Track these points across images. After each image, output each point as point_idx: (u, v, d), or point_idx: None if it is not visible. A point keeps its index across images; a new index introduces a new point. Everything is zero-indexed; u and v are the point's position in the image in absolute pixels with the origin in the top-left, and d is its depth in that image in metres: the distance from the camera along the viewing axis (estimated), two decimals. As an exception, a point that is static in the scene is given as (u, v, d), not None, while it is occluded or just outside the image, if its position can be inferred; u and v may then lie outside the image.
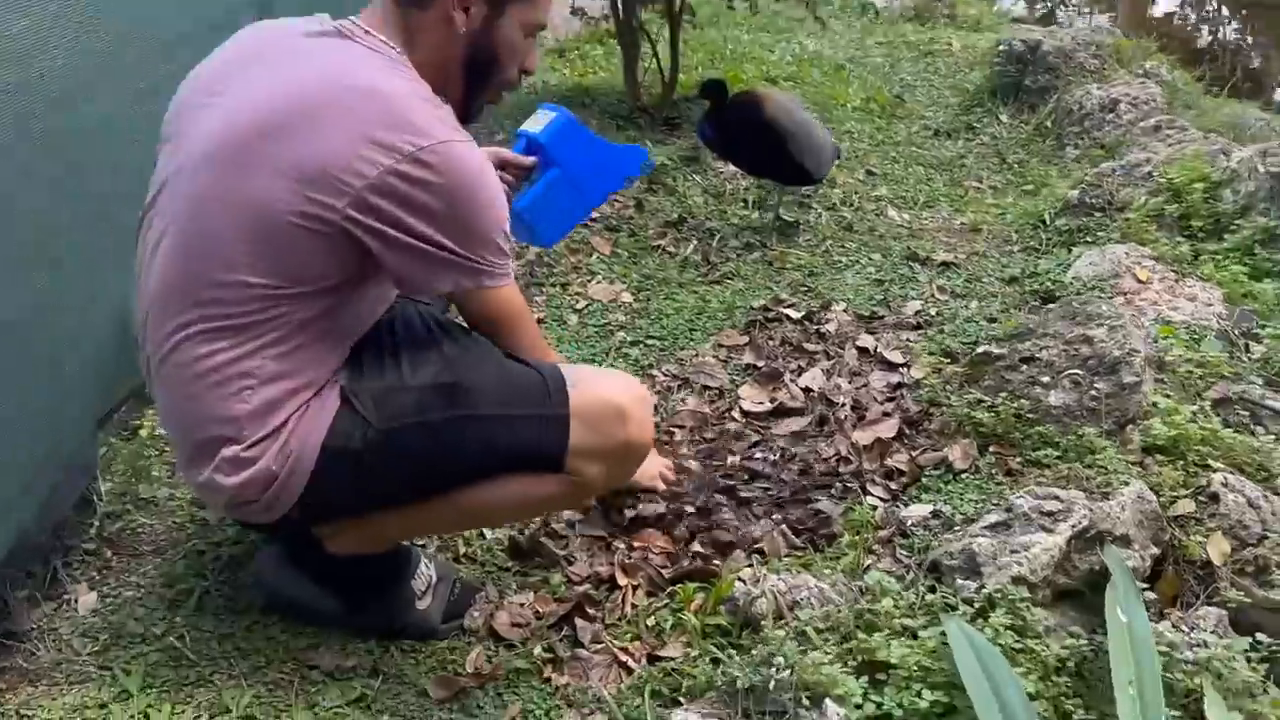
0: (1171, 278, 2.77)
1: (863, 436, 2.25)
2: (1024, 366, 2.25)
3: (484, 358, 1.61)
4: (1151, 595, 1.78)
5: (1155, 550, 1.91)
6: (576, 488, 1.64)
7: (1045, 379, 2.20)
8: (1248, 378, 2.37)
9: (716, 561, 1.94)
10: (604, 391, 1.60)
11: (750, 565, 1.93)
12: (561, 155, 1.95)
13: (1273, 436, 2.16)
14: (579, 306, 2.96)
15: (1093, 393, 2.13)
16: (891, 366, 2.53)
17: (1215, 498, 1.98)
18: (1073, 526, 1.83)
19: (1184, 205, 3.05)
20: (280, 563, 1.83)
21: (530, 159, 1.96)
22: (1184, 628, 1.82)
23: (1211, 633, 1.83)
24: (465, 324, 1.71)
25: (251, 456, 1.50)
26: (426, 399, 1.54)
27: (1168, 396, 2.21)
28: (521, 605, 1.88)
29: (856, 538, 1.97)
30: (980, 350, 2.35)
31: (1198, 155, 3.21)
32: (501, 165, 1.93)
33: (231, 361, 1.48)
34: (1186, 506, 1.97)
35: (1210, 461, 2.07)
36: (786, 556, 1.96)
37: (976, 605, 1.73)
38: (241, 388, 1.48)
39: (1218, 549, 1.92)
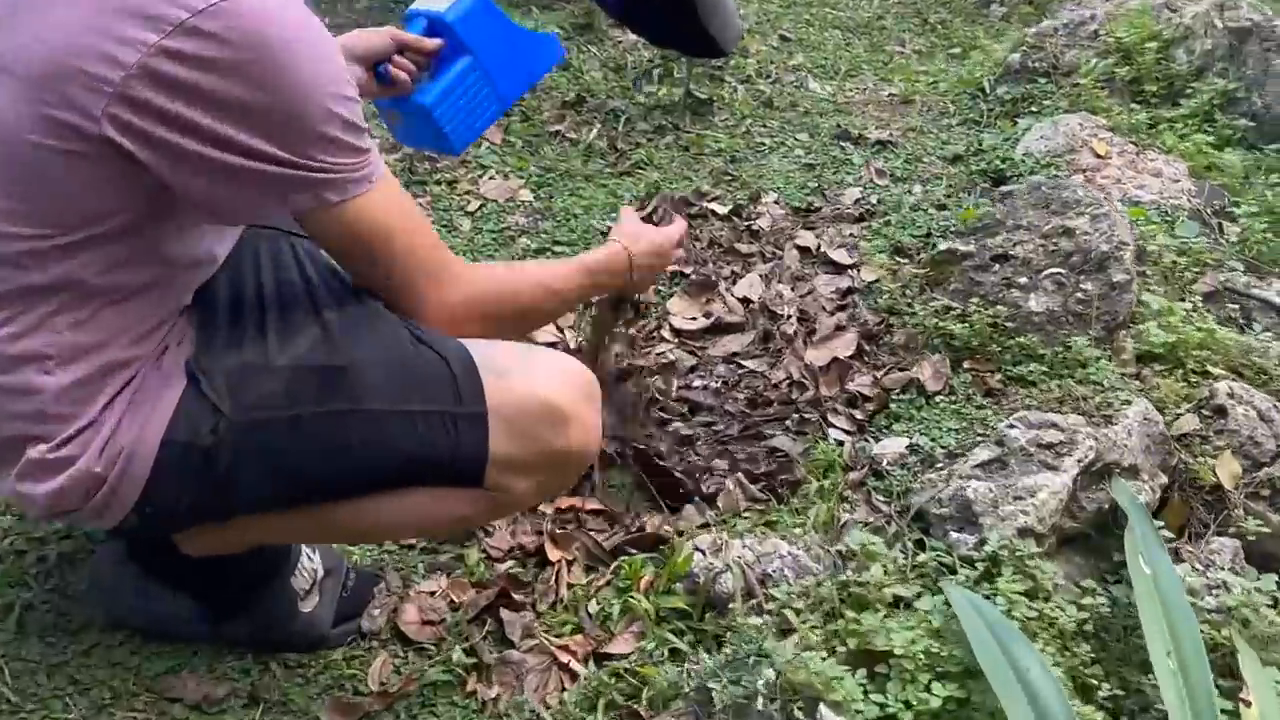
0: (1131, 151, 2.50)
1: (816, 356, 1.94)
2: (996, 266, 1.96)
3: (376, 328, 1.21)
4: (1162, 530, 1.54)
5: (1164, 479, 1.66)
6: (498, 506, 1.29)
7: (1023, 280, 1.91)
8: (1228, 264, 2.13)
9: (666, 528, 1.62)
10: (535, 384, 1.21)
11: (707, 526, 1.62)
12: (474, 40, 1.54)
13: (1267, 333, 1.92)
14: (471, 208, 2.55)
15: (1079, 295, 1.86)
16: (838, 268, 2.21)
17: (1222, 411, 1.73)
18: (1079, 461, 1.56)
19: (1136, 68, 2.78)
20: (123, 564, 1.45)
21: (434, 42, 1.54)
22: (1198, 565, 1.59)
23: (1230, 569, 1.61)
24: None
25: (66, 456, 1.11)
26: (297, 385, 1.15)
27: (1153, 292, 1.95)
28: (432, 595, 1.54)
29: (824, 482, 1.68)
30: (942, 248, 2.05)
31: (1144, 11, 2.92)
32: (399, 49, 1.51)
33: (12, 339, 1.07)
34: (1190, 423, 1.72)
35: (1210, 368, 1.82)
36: (746, 511, 1.65)
37: (979, 566, 1.46)
38: (36, 371, 1.09)
39: (1228, 471, 1.68)
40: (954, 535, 1.52)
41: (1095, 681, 1.37)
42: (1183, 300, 1.96)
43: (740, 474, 1.71)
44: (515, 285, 1.31)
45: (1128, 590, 1.54)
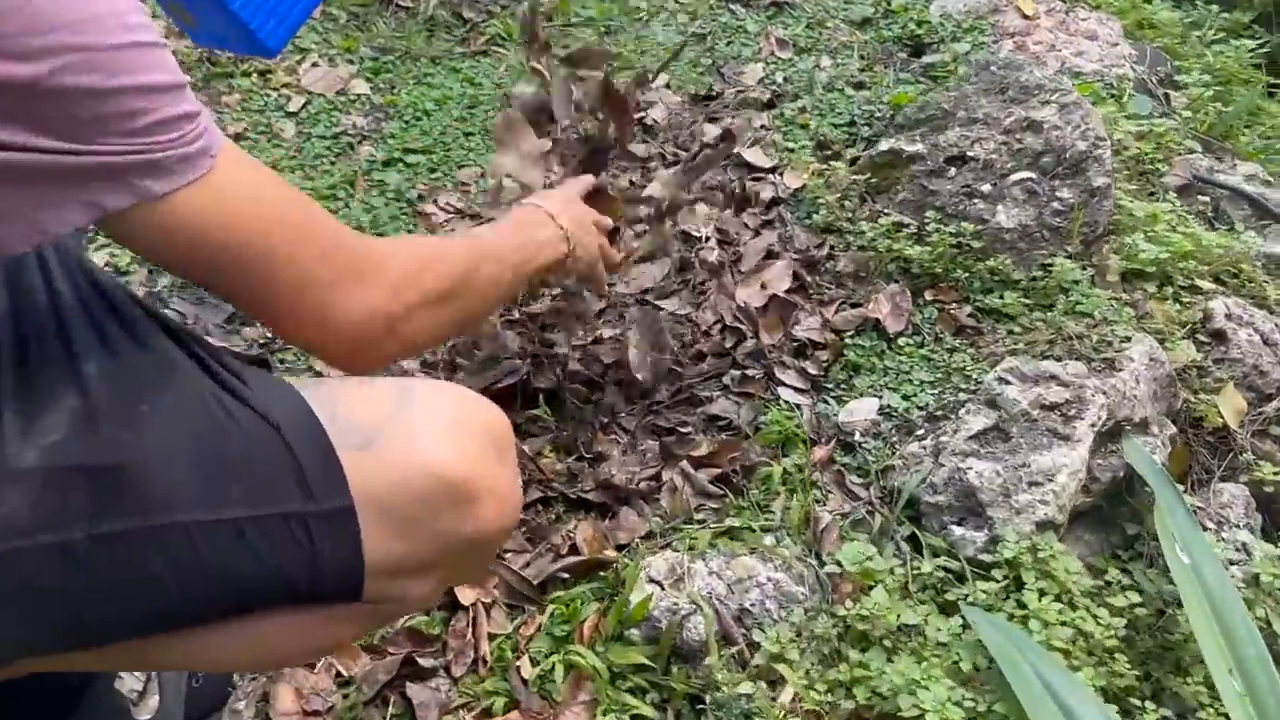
0: (1059, 8, 2.20)
1: (749, 293, 1.61)
2: (952, 170, 1.65)
3: (166, 385, 0.79)
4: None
5: (1172, 429, 1.43)
6: (389, 616, 0.93)
7: (986, 188, 1.61)
8: (1186, 144, 1.89)
9: (607, 550, 1.29)
10: (418, 449, 0.82)
11: (652, 536, 1.30)
12: None
13: (1250, 232, 1.69)
14: (293, 107, 2.07)
15: (1055, 205, 1.57)
16: (757, 173, 1.86)
17: (1221, 336, 1.51)
18: (1092, 427, 1.31)
19: (1051, -92, 2.44)
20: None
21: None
22: (1210, 522, 1.38)
23: (1244, 526, 1.40)
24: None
25: None
26: (53, 499, 0.74)
27: (1124, 191, 1.69)
28: (313, 670, 1.19)
29: (785, 462, 1.38)
30: (884, 148, 1.72)
31: None
32: None
33: None
34: (1187, 353, 1.49)
35: (1198, 281, 1.58)
36: (699, 511, 1.34)
37: (997, 576, 1.20)
38: None
39: (1232, 407, 1.47)
40: (956, 531, 1.26)
41: (1141, 702, 1.15)
42: (1154, 198, 1.71)
43: (683, 465, 1.38)
44: (447, 250, 0.95)
45: (1147, 570, 1.31)
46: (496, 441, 0.87)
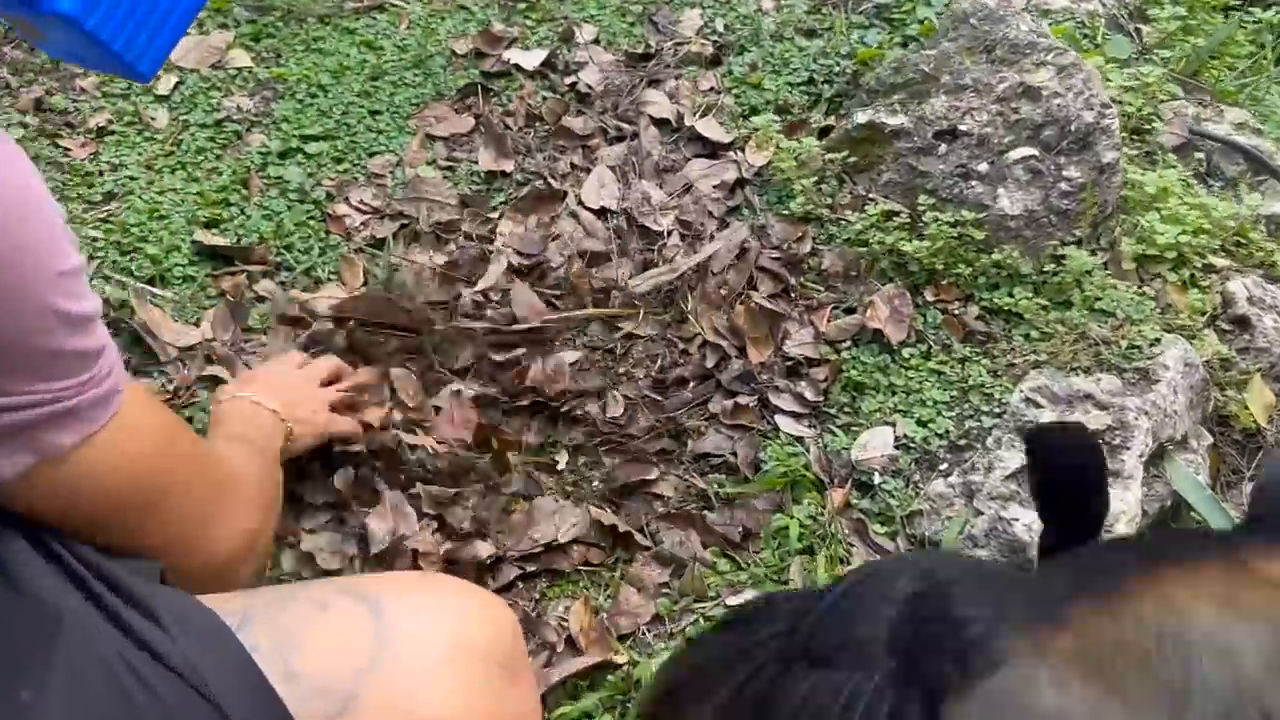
0: (1015, -65, 2.01)
1: (728, 303, 1.42)
2: (943, 146, 1.47)
3: (54, 659, 0.58)
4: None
5: (1209, 438, 1.31)
6: None
7: (983, 167, 1.44)
8: (1166, 88, 1.74)
9: (613, 653, 1.11)
10: (418, 708, 0.63)
11: (669, 629, 1.13)
12: None
13: (1256, 195, 1.56)
14: (163, 89, 1.76)
15: (1063, 185, 1.41)
16: (714, 149, 1.65)
17: (1244, 323, 1.38)
18: (1140, 457, 1.17)
19: None
20: None
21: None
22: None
23: (1282, 536, 1.29)
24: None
25: None
26: None
27: (1125, 155, 1.53)
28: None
29: (797, 514, 1.21)
30: (861, 120, 1.52)
31: None
32: None
33: None
34: (1214, 346, 1.36)
35: (1212, 257, 1.45)
36: (711, 582, 1.17)
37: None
38: None
39: (1261, 403, 1.35)
40: (1004, 591, 1.11)
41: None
42: (1154, 162, 1.56)
43: (697, 527, 1.21)
44: (240, 458, 0.95)
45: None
46: (506, 657, 0.68)
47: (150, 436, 0.70)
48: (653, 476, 1.28)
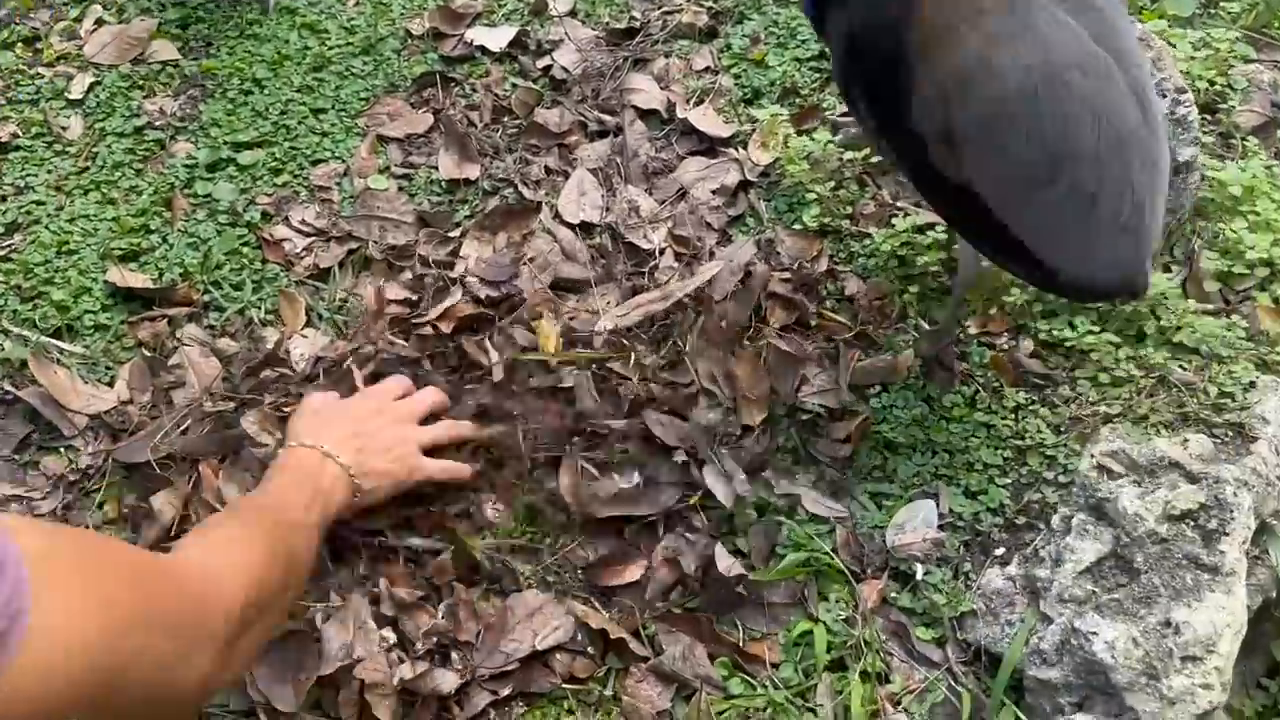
0: None
1: (728, 343, 1.19)
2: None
3: None
4: None
5: (1314, 500, 1.08)
6: None
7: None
8: (1233, 51, 1.49)
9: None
10: None
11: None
12: None
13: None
14: (76, 93, 1.53)
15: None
16: (711, 145, 1.42)
17: (1348, 351, 1.15)
18: (1243, 545, 0.95)
19: None
20: None
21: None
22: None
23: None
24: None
25: None
26: None
27: (1203, 145, 1.29)
28: None
29: (824, 616, 1.01)
30: (886, 110, 1.28)
31: None
32: None
33: None
34: (1311, 379, 1.14)
35: (1299, 266, 1.22)
36: (722, 709, 0.96)
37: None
38: None
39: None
40: (1078, 720, 0.91)
41: None
42: (1232, 149, 1.32)
43: (703, 632, 1.00)
44: (247, 550, 0.85)
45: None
46: None
47: (80, 630, 0.59)
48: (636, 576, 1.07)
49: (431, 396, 1.12)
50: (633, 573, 1.07)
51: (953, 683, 0.97)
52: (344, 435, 1.03)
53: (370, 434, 1.04)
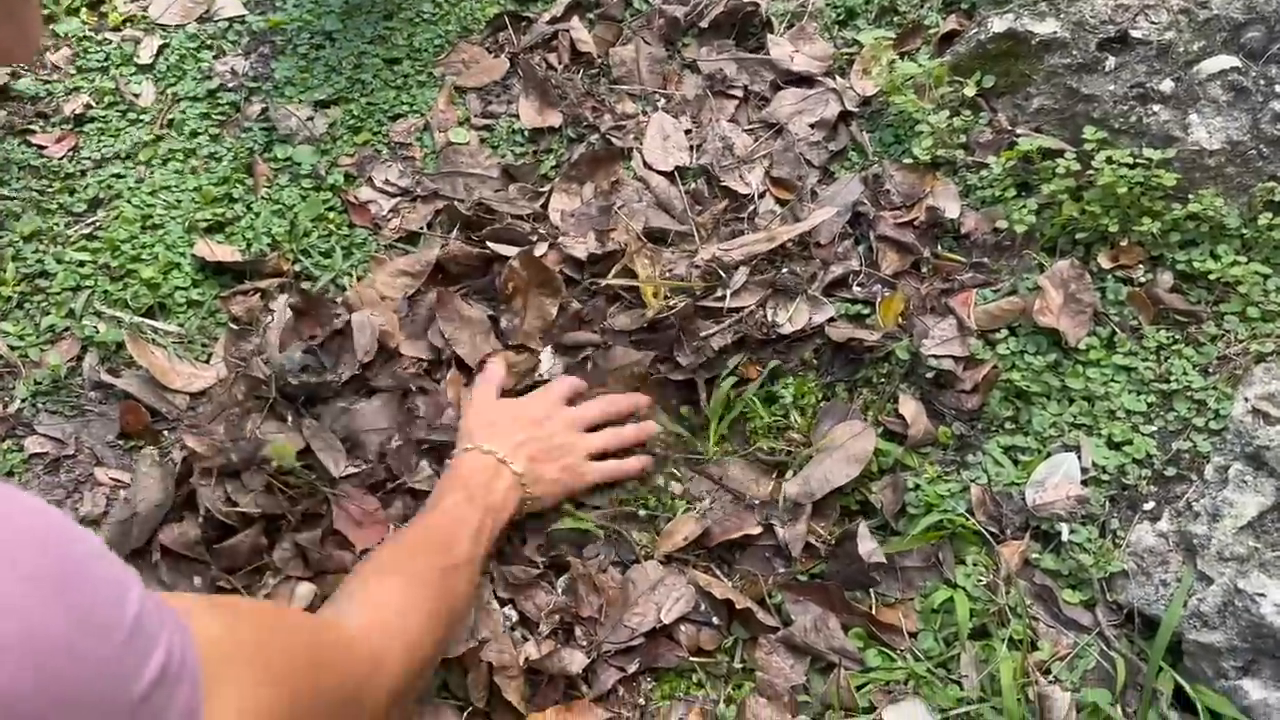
0: None
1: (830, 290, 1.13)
2: (1110, 60, 1.14)
3: None
4: None
5: None
6: None
7: (1166, 85, 1.11)
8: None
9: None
10: None
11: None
12: None
13: None
14: (145, 57, 1.49)
15: (1276, 106, 1.07)
16: (803, 82, 1.33)
17: None
18: None
19: None
20: None
21: None
22: None
23: None
24: None
25: None
26: None
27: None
28: None
29: (963, 580, 0.96)
30: (998, 29, 1.19)
31: None
32: None
33: None
34: None
35: None
36: (860, 683, 0.93)
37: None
38: None
39: None
40: (1247, 687, 0.85)
41: None
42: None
43: (834, 602, 0.96)
44: (414, 596, 0.83)
45: None
46: None
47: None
48: (756, 531, 1.03)
49: (600, 406, 1.08)
50: (750, 526, 1.03)
51: (1105, 647, 0.92)
52: (518, 441, 1.00)
53: (543, 440, 1.01)
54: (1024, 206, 1.11)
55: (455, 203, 1.29)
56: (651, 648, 0.99)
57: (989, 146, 1.17)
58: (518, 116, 1.37)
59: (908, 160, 1.20)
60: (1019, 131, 1.16)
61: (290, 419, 1.10)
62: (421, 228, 1.29)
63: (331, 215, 1.31)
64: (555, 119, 1.35)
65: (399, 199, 1.33)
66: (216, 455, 1.04)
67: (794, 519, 1.02)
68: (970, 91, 1.20)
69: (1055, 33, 1.15)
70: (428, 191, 1.32)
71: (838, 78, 1.31)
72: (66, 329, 1.23)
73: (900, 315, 1.11)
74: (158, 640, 0.46)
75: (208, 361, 1.21)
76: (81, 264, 1.28)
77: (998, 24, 1.19)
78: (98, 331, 1.22)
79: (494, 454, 0.98)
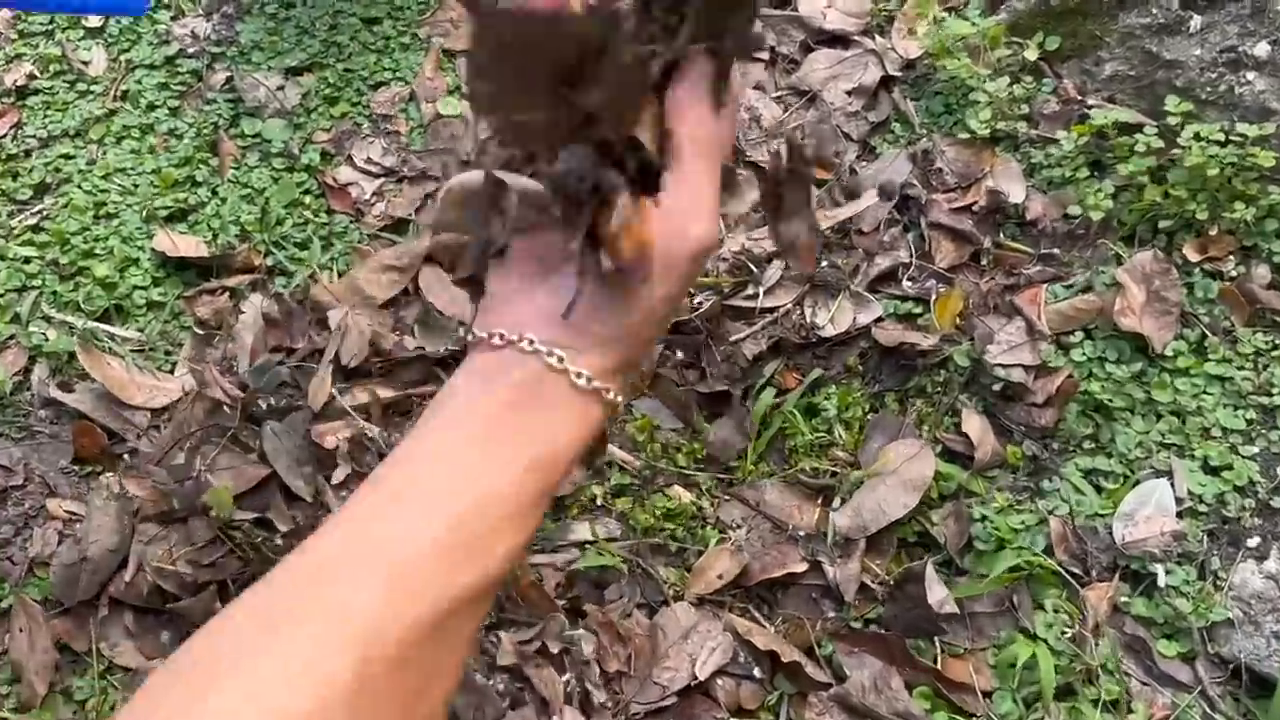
0: None
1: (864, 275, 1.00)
2: (1195, 20, 0.99)
3: None
4: None
5: None
6: None
7: (1260, 49, 0.97)
8: None
9: None
10: None
11: None
12: None
13: None
14: (94, 20, 1.33)
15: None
16: (837, 42, 1.18)
17: None
18: None
19: None
20: None
21: None
22: None
23: None
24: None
25: None
26: None
27: None
28: None
29: (1042, 630, 0.84)
30: (1066, -19, 1.04)
31: None
32: None
33: None
34: None
35: None
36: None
37: None
38: None
39: None
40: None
41: None
42: None
43: (895, 654, 0.84)
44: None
45: None
46: None
47: None
48: (801, 568, 0.91)
49: None
50: (794, 562, 0.91)
51: (1208, 709, 0.80)
52: (627, 347, 0.45)
53: (639, 337, 0.47)
54: (1099, 190, 0.98)
55: (444, 181, 1.14)
56: (686, 707, 0.87)
57: (1056, 119, 1.03)
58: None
59: (962, 135, 1.06)
60: (1090, 102, 1.02)
61: (256, 443, 0.97)
62: (409, 214, 1.14)
63: (307, 200, 1.17)
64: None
65: (383, 180, 1.18)
66: (160, 500, 0.90)
67: (845, 556, 0.90)
68: (1032, 55, 1.05)
69: (1130, -13, 1.00)
70: (415, 172, 1.17)
71: (877, 37, 1.16)
72: (11, 337, 1.09)
73: (958, 315, 0.97)
74: None
75: (171, 371, 1.07)
76: (27, 260, 1.14)
77: (1061, -25, 1.04)
78: (46, 339, 1.08)
79: (562, 365, 0.43)
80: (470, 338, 0.44)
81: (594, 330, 0.42)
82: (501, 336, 0.42)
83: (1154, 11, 1.00)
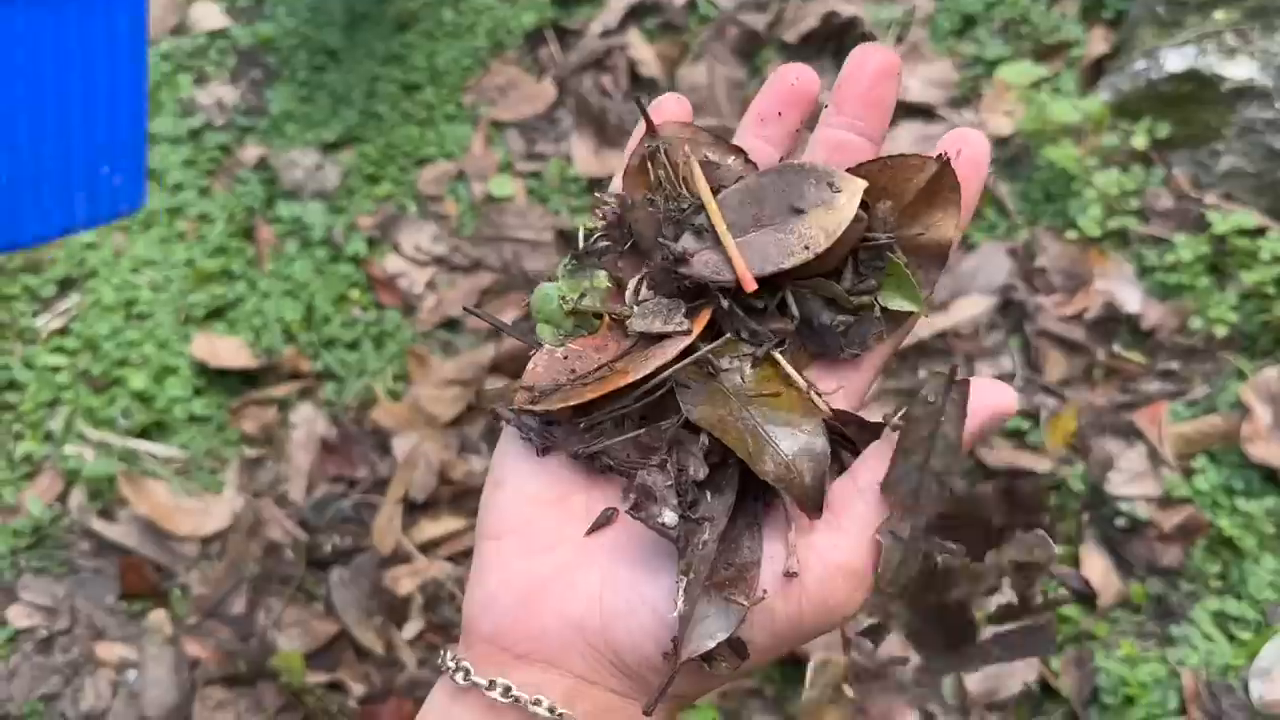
0: None
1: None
2: (1329, 110, 0.92)
3: None
4: None
5: None
6: None
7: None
8: None
9: None
10: None
11: None
12: None
13: None
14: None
15: None
16: (920, 114, 1.10)
17: None
18: None
19: None
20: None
21: None
22: None
23: None
24: None
25: None
26: None
27: None
28: None
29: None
30: (1175, 68, 0.97)
31: None
32: None
33: None
34: None
35: None
36: None
37: None
38: None
39: None
40: None
41: None
42: None
43: None
44: None
45: None
46: None
47: None
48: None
49: None
50: (904, 717, 0.85)
51: None
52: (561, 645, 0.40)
53: None
54: (1220, 301, 0.91)
55: (499, 269, 1.07)
56: None
57: (1169, 217, 0.96)
58: (569, 159, 1.14)
59: (1067, 228, 0.98)
60: (1206, 200, 0.95)
61: (320, 589, 0.90)
62: (464, 311, 1.07)
63: (354, 294, 1.09)
64: (616, 161, 1.12)
65: (433, 268, 1.10)
66: (224, 662, 0.84)
67: (963, 713, 0.84)
68: (1141, 142, 0.98)
69: (1252, 78, 0.93)
70: (468, 261, 1.10)
71: (964, 111, 1.08)
72: (45, 458, 1.01)
73: (1071, 434, 0.91)
74: None
75: (218, 491, 1.00)
76: (56, 370, 1.06)
77: (1174, 61, 0.96)
78: (83, 462, 1.00)
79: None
80: (448, 666, 0.34)
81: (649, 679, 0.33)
82: (507, 691, 0.32)
83: (1277, 105, 0.92)
